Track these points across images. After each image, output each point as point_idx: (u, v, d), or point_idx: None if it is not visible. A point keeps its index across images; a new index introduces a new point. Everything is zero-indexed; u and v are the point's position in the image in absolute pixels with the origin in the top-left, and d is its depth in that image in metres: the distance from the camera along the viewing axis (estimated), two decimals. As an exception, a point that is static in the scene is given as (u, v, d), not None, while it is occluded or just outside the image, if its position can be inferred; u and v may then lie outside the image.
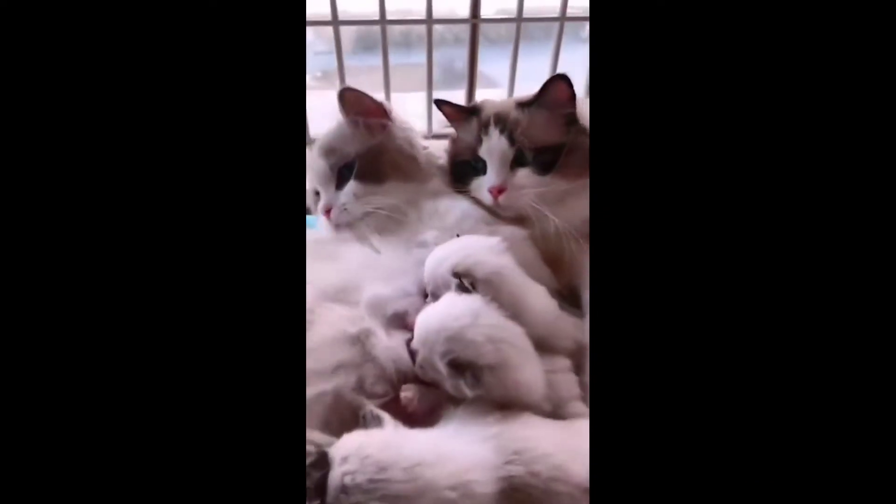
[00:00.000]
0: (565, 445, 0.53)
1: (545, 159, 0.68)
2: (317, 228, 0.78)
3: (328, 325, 0.59)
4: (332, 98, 0.78)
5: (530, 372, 0.57)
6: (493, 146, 0.70)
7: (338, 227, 0.72)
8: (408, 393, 0.56)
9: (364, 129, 0.75)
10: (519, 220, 0.71)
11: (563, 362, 0.62)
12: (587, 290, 0.67)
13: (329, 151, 0.74)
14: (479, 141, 0.71)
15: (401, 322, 0.61)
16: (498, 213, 0.72)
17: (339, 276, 0.64)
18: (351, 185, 0.73)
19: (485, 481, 0.48)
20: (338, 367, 0.57)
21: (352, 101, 0.75)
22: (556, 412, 0.58)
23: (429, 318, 0.57)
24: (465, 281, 0.59)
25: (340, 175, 0.73)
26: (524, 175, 0.69)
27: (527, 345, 0.57)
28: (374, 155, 0.74)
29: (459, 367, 0.54)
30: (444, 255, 0.62)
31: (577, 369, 0.63)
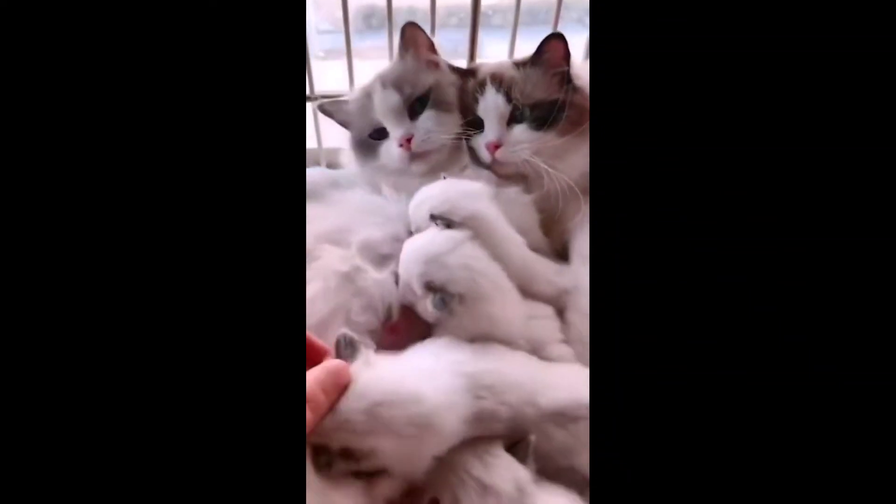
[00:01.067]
0: (539, 377, 0.55)
1: (540, 115, 0.70)
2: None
3: (320, 263, 0.61)
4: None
5: (505, 308, 0.58)
6: (490, 103, 0.72)
7: (414, 157, 0.73)
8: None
9: (424, 64, 0.77)
10: (520, 178, 0.73)
11: (545, 309, 0.65)
12: (577, 241, 0.69)
13: (400, 84, 0.75)
14: (476, 101, 0.73)
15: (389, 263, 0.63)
16: (495, 171, 0.73)
17: (338, 219, 0.66)
18: (429, 115, 0.74)
19: (451, 419, 0.49)
20: (324, 302, 0.59)
21: (412, 36, 0.77)
22: (535, 354, 0.59)
23: (412, 244, 0.59)
24: (441, 224, 0.61)
25: (412, 108, 0.75)
26: (520, 131, 0.70)
27: (504, 282, 0.59)
28: (443, 87, 0.76)
29: (434, 290, 0.55)
30: (425, 197, 0.64)
31: (559, 315, 0.65)
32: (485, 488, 0.48)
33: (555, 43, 0.70)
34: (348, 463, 0.46)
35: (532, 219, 0.71)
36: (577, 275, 0.66)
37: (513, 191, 0.71)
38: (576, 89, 0.71)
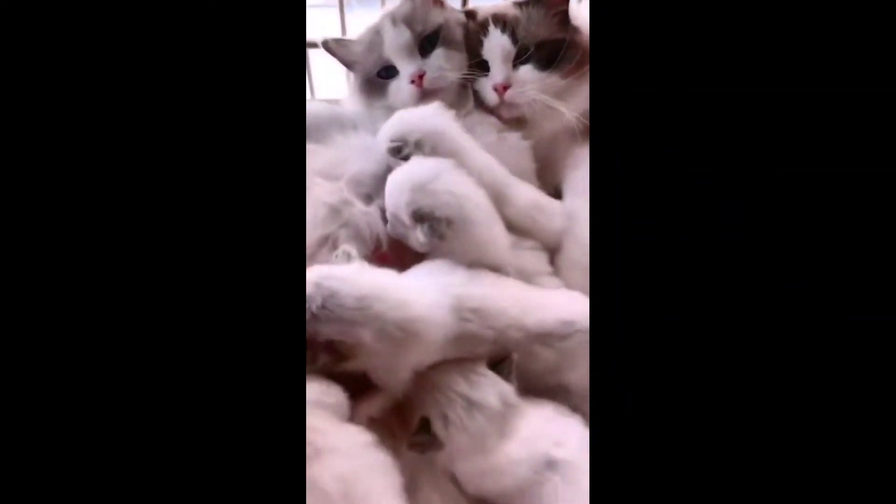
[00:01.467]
0: (525, 301, 0.58)
1: (546, 55, 0.72)
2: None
3: (308, 195, 0.63)
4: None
5: (492, 231, 0.61)
6: (495, 44, 0.73)
7: (425, 95, 0.73)
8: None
9: (431, 2, 0.77)
10: (520, 123, 0.75)
11: (529, 241, 0.68)
12: (571, 178, 0.73)
13: (411, 22, 0.74)
14: (480, 42, 0.74)
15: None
16: (500, 115, 0.75)
17: (334, 156, 0.69)
18: (440, 53, 0.74)
19: (435, 332, 0.52)
20: (311, 231, 0.62)
21: None
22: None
23: (395, 175, 0.61)
24: (402, 149, 0.63)
25: (422, 46, 0.74)
26: (527, 71, 0.72)
27: (488, 206, 0.62)
28: (451, 26, 0.76)
29: (422, 218, 0.58)
30: (385, 127, 0.66)
31: (546, 249, 0.69)
32: (471, 404, 0.51)
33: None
34: (332, 358, 0.48)
35: (529, 166, 0.74)
36: (572, 206, 0.71)
37: (513, 136, 0.74)
38: (576, 29, 0.74)
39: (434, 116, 0.67)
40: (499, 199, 0.66)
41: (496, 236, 0.62)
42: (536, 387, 0.56)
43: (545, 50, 0.72)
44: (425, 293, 0.54)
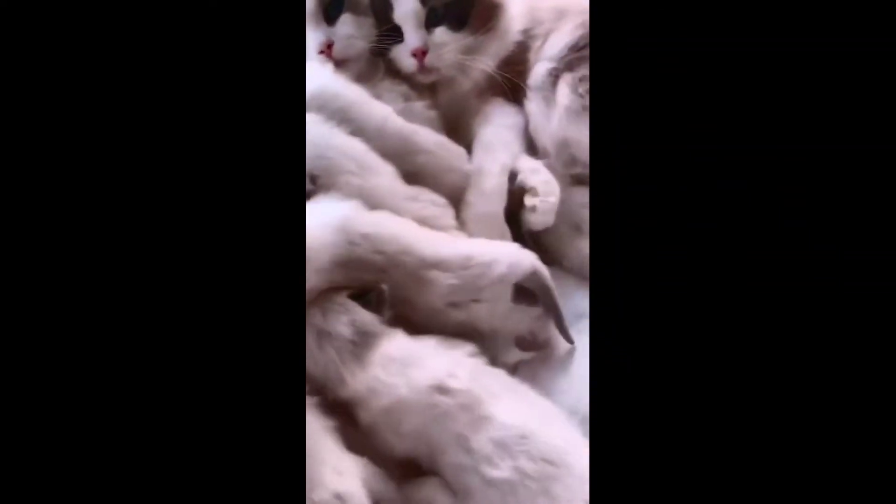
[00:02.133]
0: (420, 232, 0.58)
1: (456, 14, 0.73)
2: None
3: None
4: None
5: (370, 181, 0.61)
6: (406, 9, 0.72)
7: (337, 63, 0.72)
8: None
9: None
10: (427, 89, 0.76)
11: (433, 195, 0.67)
12: (479, 133, 0.75)
13: None
14: (389, 6, 0.73)
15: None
16: (418, 80, 0.75)
17: None
18: (346, 19, 0.72)
19: (322, 254, 0.51)
20: None
21: None
22: None
23: None
24: None
25: (326, 13, 0.72)
26: (442, 33, 0.73)
27: (369, 158, 0.63)
28: None
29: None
30: None
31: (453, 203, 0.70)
32: (320, 333, 0.50)
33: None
34: None
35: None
36: (479, 161, 0.72)
37: (419, 105, 0.74)
38: (480, -16, 0.75)
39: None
40: (406, 147, 0.67)
41: (382, 188, 0.62)
42: (436, 322, 0.55)
43: (455, 9, 0.73)
44: (312, 214, 0.51)
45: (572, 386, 0.55)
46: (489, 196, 0.67)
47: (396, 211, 0.60)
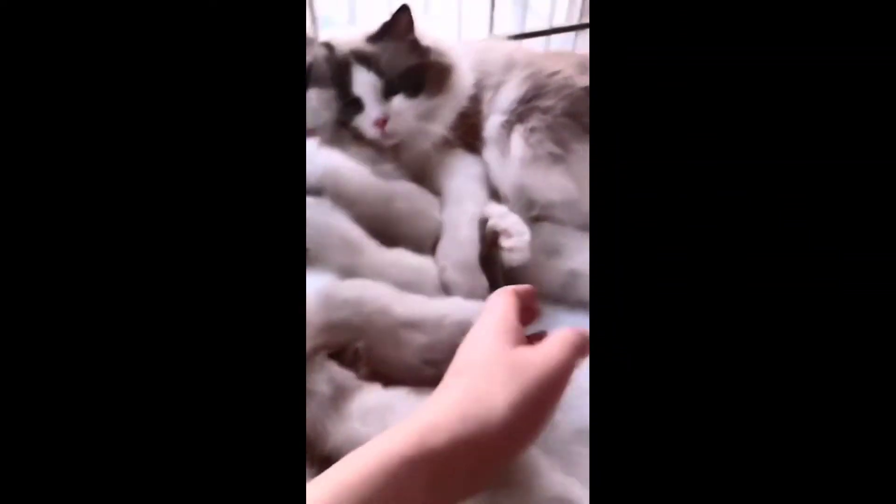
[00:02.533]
0: (396, 296, 0.60)
1: (412, 83, 0.78)
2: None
3: None
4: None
5: (354, 259, 0.64)
6: (364, 82, 0.77)
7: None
8: None
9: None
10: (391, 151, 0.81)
11: (414, 258, 0.70)
12: (446, 184, 0.80)
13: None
14: (348, 79, 0.78)
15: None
16: (380, 145, 0.80)
17: None
18: (313, 94, 0.77)
19: (312, 319, 0.53)
20: None
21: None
22: None
23: None
24: None
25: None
26: (399, 101, 0.78)
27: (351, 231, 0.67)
28: (319, 63, 0.79)
29: None
30: None
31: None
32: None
33: (405, 15, 0.78)
34: None
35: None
36: (449, 215, 0.75)
37: (388, 167, 0.78)
38: (429, 50, 0.81)
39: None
40: (385, 198, 0.72)
41: (365, 263, 0.65)
42: (408, 376, 0.57)
43: (410, 78, 0.79)
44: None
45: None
46: (462, 244, 0.72)
47: (377, 277, 0.64)
